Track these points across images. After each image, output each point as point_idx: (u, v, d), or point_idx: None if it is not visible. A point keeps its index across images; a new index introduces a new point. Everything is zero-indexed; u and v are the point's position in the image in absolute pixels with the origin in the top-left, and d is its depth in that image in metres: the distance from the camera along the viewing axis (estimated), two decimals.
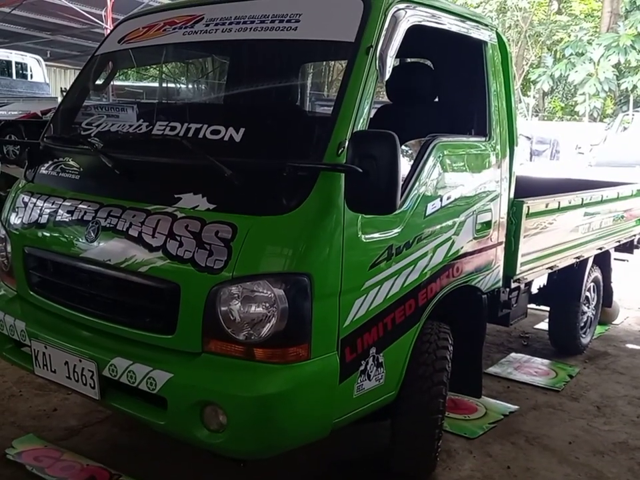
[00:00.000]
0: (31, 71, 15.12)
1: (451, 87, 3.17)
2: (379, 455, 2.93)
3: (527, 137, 16.18)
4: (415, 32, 2.47)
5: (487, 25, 3.03)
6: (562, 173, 8.32)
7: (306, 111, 3.90)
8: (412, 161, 2.45)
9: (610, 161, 10.69)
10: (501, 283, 3.19)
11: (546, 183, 5.10)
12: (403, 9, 2.41)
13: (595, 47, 18.84)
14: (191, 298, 2.12)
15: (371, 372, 2.33)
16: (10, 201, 2.86)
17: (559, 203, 3.64)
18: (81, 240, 2.41)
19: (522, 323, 4.36)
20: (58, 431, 3.16)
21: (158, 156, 2.45)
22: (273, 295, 2.03)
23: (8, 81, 14.40)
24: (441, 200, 2.59)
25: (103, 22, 14.16)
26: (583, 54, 19.36)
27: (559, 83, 23.36)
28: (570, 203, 3.79)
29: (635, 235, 5.09)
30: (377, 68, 2.26)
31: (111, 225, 2.32)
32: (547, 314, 4.66)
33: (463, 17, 2.86)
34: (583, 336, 4.61)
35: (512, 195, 3.17)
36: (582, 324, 4.54)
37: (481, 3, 22.64)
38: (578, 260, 4.09)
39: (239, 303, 2.06)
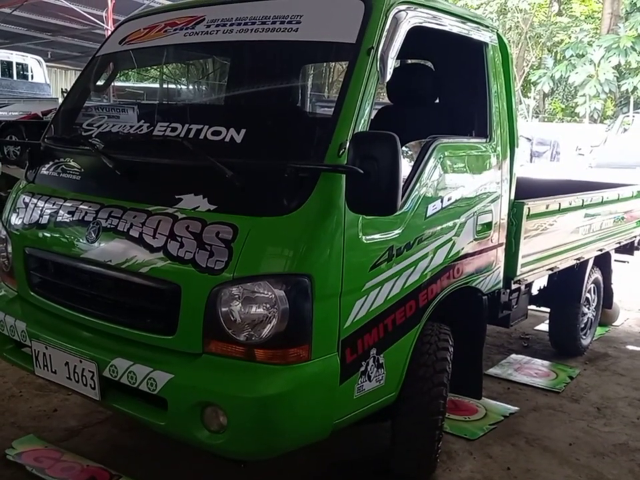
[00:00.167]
0: (31, 71, 15.13)
1: (451, 88, 3.17)
2: (379, 456, 2.92)
3: (527, 139, 16.20)
4: (416, 33, 2.48)
5: (487, 26, 3.03)
6: (562, 175, 8.31)
7: (307, 112, 3.91)
8: (413, 162, 2.46)
9: (610, 162, 10.70)
10: (501, 284, 3.19)
11: (546, 184, 5.10)
12: (403, 10, 2.42)
13: (596, 49, 18.85)
14: (191, 299, 2.12)
15: (372, 373, 2.33)
16: (11, 202, 2.86)
17: (560, 204, 3.65)
18: (81, 241, 2.42)
19: (522, 324, 4.36)
20: (58, 432, 3.16)
21: (159, 157, 2.45)
22: (273, 295, 2.03)
23: (9, 81, 14.41)
24: (442, 201, 2.59)
25: (103, 23, 14.18)
26: (583, 55, 19.38)
27: (559, 85, 23.37)
28: (570, 204, 3.79)
29: (635, 237, 5.09)
30: (378, 69, 2.26)
31: (112, 226, 2.32)
32: (547, 315, 4.66)
33: (463, 18, 2.86)
34: (584, 337, 4.61)
35: (512, 196, 3.18)
36: (582, 325, 4.54)
37: (482, 4, 22.65)
38: (578, 261, 4.09)
39: (240, 304, 2.06)
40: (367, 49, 2.24)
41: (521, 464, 3.07)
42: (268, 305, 2.04)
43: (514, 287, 3.31)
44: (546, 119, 26.24)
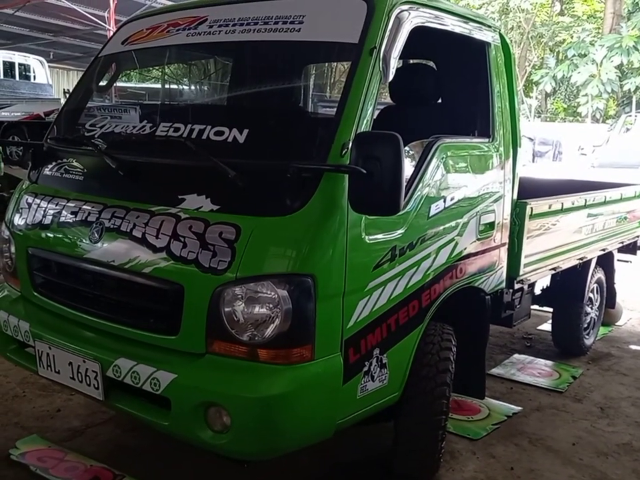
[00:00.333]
0: (33, 72, 15.16)
1: (454, 88, 3.17)
2: (382, 457, 2.93)
3: (530, 138, 16.18)
4: (418, 33, 2.47)
5: (489, 26, 3.03)
6: (564, 174, 8.31)
7: (309, 112, 3.90)
8: (415, 162, 2.45)
9: (612, 162, 10.68)
10: (504, 284, 3.19)
11: (548, 184, 5.09)
12: (406, 10, 2.41)
13: (598, 48, 18.82)
14: (194, 299, 2.12)
15: (375, 373, 2.33)
16: (14, 202, 2.86)
17: (562, 204, 3.64)
18: (84, 241, 2.42)
19: (525, 324, 4.35)
20: (61, 432, 3.16)
21: (162, 157, 2.46)
22: (276, 295, 2.03)
23: (11, 82, 14.44)
24: (445, 201, 2.59)
25: (105, 23, 14.20)
26: (585, 55, 19.35)
27: (561, 84, 23.34)
28: (573, 204, 3.78)
29: (638, 236, 5.09)
30: (381, 69, 2.26)
31: (115, 226, 2.32)
32: (550, 315, 4.65)
33: (466, 18, 2.86)
34: (586, 337, 4.61)
35: (515, 196, 3.17)
36: (585, 325, 4.54)
37: (483, 4, 22.64)
38: (581, 261, 4.08)
39: (243, 304, 2.06)
40: (369, 49, 2.24)
41: (524, 464, 3.07)
42: (271, 305, 2.04)
43: (517, 286, 3.31)
44: (548, 119, 26.22)
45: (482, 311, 3.00)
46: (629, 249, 5.11)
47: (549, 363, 4.45)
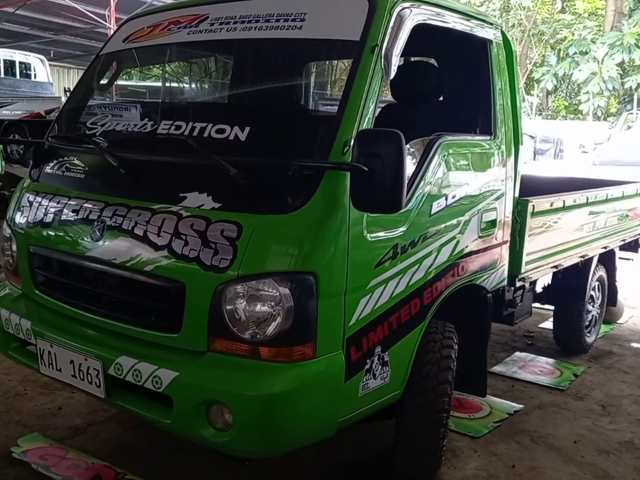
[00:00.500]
0: (34, 70, 15.16)
1: (455, 86, 3.16)
2: (382, 455, 2.93)
3: (531, 136, 16.14)
4: (420, 30, 2.47)
5: (491, 24, 3.03)
6: (566, 172, 8.30)
7: (311, 110, 3.91)
8: (417, 160, 2.45)
9: (614, 159, 10.66)
10: (505, 282, 3.18)
11: (550, 181, 5.09)
12: (407, 7, 2.41)
13: (599, 46, 18.79)
14: (196, 297, 2.12)
15: (376, 371, 2.33)
16: (15, 200, 2.86)
17: (564, 201, 3.64)
18: (86, 239, 2.42)
19: (526, 322, 4.36)
20: (63, 430, 3.17)
21: (163, 155, 2.46)
22: (278, 293, 2.03)
23: (12, 80, 14.44)
24: (446, 199, 2.59)
25: (106, 22, 14.19)
26: (586, 53, 19.32)
27: (562, 82, 23.30)
28: (575, 201, 3.78)
29: (639, 234, 5.08)
30: (382, 67, 2.26)
31: (116, 224, 2.32)
32: (552, 313, 4.65)
33: (467, 16, 2.85)
34: (588, 335, 4.60)
35: (517, 194, 3.17)
36: (587, 323, 4.53)
37: (485, 1, 22.59)
38: (583, 259, 4.08)
39: (245, 302, 2.06)
40: (371, 46, 2.23)
41: (525, 462, 3.07)
42: (273, 303, 2.04)
43: (518, 284, 3.31)
44: (549, 117, 26.16)
45: (483, 309, 2.99)
46: (631, 246, 5.10)
47: (551, 360, 4.45)
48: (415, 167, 2.42)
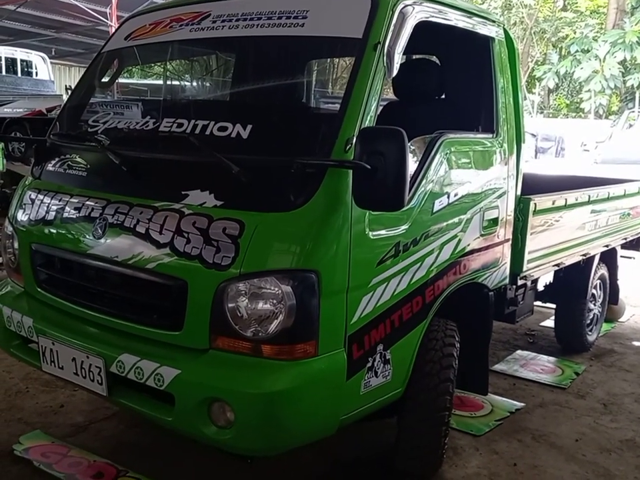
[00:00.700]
0: (35, 68, 15.14)
1: (457, 84, 3.16)
2: (383, 454, 2.93)
3: (532, 134, 16.11)
4: (422, 28, 2.46)
5: (493, 21, 3.02)
6: (567, 170, 8.28)
7: (313, 108, 3.90)
8: (419, 158, 2.45)
9: (615, 158, 10.64)
10: (507, 280, 3.18)
11: (551, 180, 5.06)
12: (410, 5, 2.41)
13: (601, 44, 18.76)
14: (198, 294, 2.12)
15: (378, 369, 2.33)
16: (17, 198, 2.86)
17: (566, 200, 3.63)
18: (88, 237, 2.42)
19: (528, 320, 4.35)
20: (65, 427, 3.17)
21: (165, 153, 2.46)
22: (280, 291, 2.02)
23: (13, 78, 14.42)
24: (448, 197, 2.59)
25: (107, 19, 14.17)
26: (588, 51, 19.28)
27: (564, 80, 23.28)
28: (577, 200, 3.77)
29: None
30: (385, 64, 2.25)
31: (118, 222, 2.32)
32: (553, 311, 4.65)
33: (469, 13, 2.85)
34: (589, 333, 4.60)
35: (519, 192, 3.16)
36: (588, 321, 4.53)
37: None
38: (584, 257, 4.07)
39: (247, 300, 2.06)
40: (373, 44, 2.23)
41: (527, 460, 3.07)
42: (275, 301, 2.04)
43: (520, 283, 3.30)
44: (551, 115, 26.13)
45: (485, 307, 2.99)
46: (632, 245, 5.09)
47: (552, 359, 4.45)
48: (417, 164, 2.42)
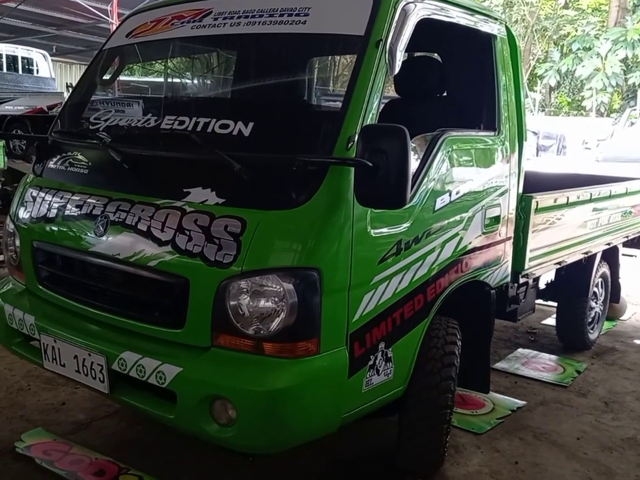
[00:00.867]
0: (36, 66, 15.12)
1: (459, 81, 3.15)
2: (384, 453, 2.92)
3: (534, 132, 16.12)
4: (424, 25, 2.46)
5: (496, 19, 3.01)
6: (569, 168, 8.28)
7: (315, 105, 3.89)
8: (421, 156, 2.44)
9: (617, 156, 10.65)
10: (509, 278, 3.18)
11: (553, 178, 5.06)
12: (412, 2, 2.40)
13: (602, 42, 18.74)
14: (200, 292, 2.12)
15: (380, 367, 2.33)
16: (18, 196, 2.86)
17: (568, 198, 3.63)
18: (89, 234, 2.42)
19: (529, 318, 4.35)
20: (66, 425, 3.17)
21: (166, 150, 2.45)
22: (282, 289, 2.02)
23: (14, 75, 14.41)
24: (450, 195, 2.58)
25: (108, 17, 14.15)
26: (590, 48, 19.26)
27: (565, 78, 23.27)
28: (578, 198, 3.77)
29: None
30: (387, 62, 2.25)
31: (120, 219, 2.32)
32: (555, 309, 4.65)
33: (471, 10, 2.84)
34: (591, 332, 4.60)
35: (521, 190, 3.16)
36: (590, 319, 4.53)
37: None
38: (586, 255, 4.07)
39: (248, 298, 2.06)
40: (375, 41, 2.23)
41: (528, 458, 3.06)
42: (276, 299, 2.03)
43: (522, 281, 3.30)
44: (552, 113, 26.13)
45: (487, 305, 2.99)
46: (634, 243, 5.09)
47: (553, 357, 4.45)
48: (419, 162, 2.42)
